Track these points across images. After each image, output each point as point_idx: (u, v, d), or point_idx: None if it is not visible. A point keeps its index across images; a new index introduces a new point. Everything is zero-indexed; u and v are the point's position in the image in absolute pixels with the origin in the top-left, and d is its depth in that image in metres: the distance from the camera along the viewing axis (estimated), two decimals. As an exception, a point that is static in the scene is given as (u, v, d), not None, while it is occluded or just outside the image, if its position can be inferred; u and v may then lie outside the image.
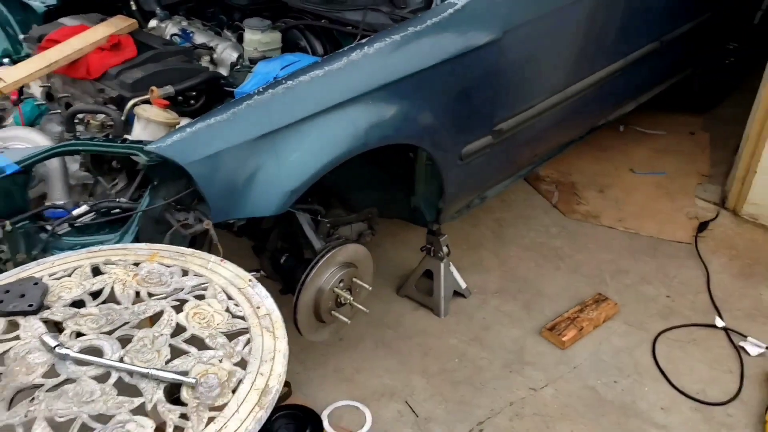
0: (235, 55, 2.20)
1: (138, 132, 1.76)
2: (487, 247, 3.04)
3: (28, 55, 2.32)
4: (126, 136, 1.75)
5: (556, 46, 2.47)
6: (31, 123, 2.10)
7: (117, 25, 2.08)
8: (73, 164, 1.91)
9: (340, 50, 1.88)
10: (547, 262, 2.95)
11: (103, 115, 1.82)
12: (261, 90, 1.73)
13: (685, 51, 3.37)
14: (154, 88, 1.83)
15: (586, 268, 2.91)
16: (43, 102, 2.13)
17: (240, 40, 2.26)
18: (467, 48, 2.08)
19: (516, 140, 2.46)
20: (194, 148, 1.61)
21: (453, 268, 2.68)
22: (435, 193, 2.29)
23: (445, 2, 2.08)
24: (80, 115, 1.87)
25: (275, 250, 2.22)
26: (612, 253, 3.00)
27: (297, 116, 1.73)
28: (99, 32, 1.99)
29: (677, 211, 3.26)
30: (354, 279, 2.16)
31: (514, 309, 2.70)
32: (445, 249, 2.57)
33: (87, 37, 1.96)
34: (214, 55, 2.19)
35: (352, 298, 2.14)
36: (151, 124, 1.74)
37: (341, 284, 2.12)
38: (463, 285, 2.74)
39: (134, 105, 1.81)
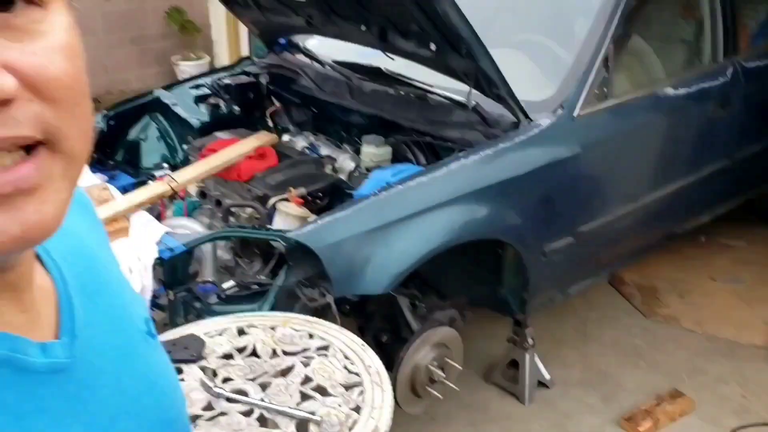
0: (353, 165, 2.63)
1: (278, 223, 2.19)
2: (571, 344, 3.27)
3: (184, 160, 2.85)
4: (268, 226, 2.18)
5: (631, 160, 2.80)
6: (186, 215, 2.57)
7: (262, 138, 2.57)
8: (219, 250, 2.35)
9: (442, 161, 2.28)
10: (627, 358, 3.15)
11: (251, 209, 2.27)
12: (377, 192, 2.13)
13: (759, 168, 3.60)
14: (291, 188, 2.28)
15: (665, 366, 3.08)
16: (197, 199, 2.61)
17: (357, 152, 2.71)
18: (550, 161, 2.45)
19: (595, 242, 2.75)
20: (323, 236, 2.01)
21: (537, 359, 2.92)
22: (521, 286, 2.59)
23: (531, 123, 2.47)
24: (233, 209, 2.33)
25: (378, 330, 2.55)
26: (690, 353, 3.16)
27: (404, 213, 2.11)
28: (248, 144, 2.48)
29: (756, 318, 3.41)
30: (446, 359, 2.46)
31: (594, 400, 2.90)
32: (530, 340, 2.83)
33: (239, 148, 2.46)
34: (336, 164, 2.64)
35: (444, 376, 2.43)
36: (288, 218, 2.17)
37: (435, 363, 2.42)
38: (547, 376, 2.97)
39: (276, 202, 2.25)
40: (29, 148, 0.45)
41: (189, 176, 2.40)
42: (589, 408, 2.86)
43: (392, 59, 2.71)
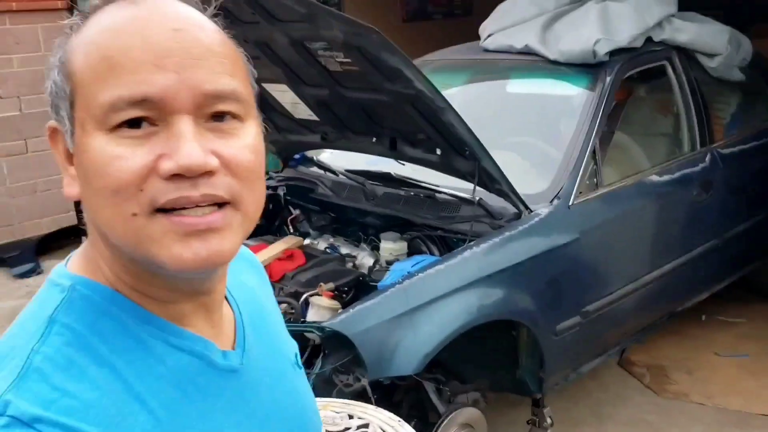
0: (372, 261, 2.87)
1: (312, 316, 2.39)
2: (587, 423, 3.39)
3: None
4: (303, 319, 2.39)
5: (626, 243, 3.05)
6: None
7: (289, 241, 2.82)
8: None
9: (455, 250, 2.52)
10: (642, 434, 3.27)
11: (285, 305, 2.48)
12: (400, 281, 2.36)
13: (747, 246, 3.85)
14: (321, 284, 2.50)
15: (680, 439, 3.20)
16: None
17: (374, 249, 2.95)
18: (551, 246, 2.69)
19: (602, 321, 2.95)
20: (356, 323, 2.21)
21: (557, 439, 3.05)
22: (536, 365, 2.77)
23: (531, 213, 2.72)
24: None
25: (406, 417, 2.70)
26: (703, 426, 3.29)
27: (427, 298, 2.33)
28: (277, 247, 2.72)
29: (763, 388, 3.55)
30: (472, 438, 2.60)
31: (615, 475, 3.01)
32: (548, 420, 2.97)
33: (269, 252, 2.69)
34: (356, 261, 2.87)
35: (471, 456, 2.56)
36: (321, 310, 2.38)
37: (462, 443, 2.56)
38: (568, 455, 3.09)
39: (308, 297, 2.47)
40: (220, 205, 0.71)
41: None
42: (612, 483, 2.96)
43: (402, 164, 3.00)
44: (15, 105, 5.94)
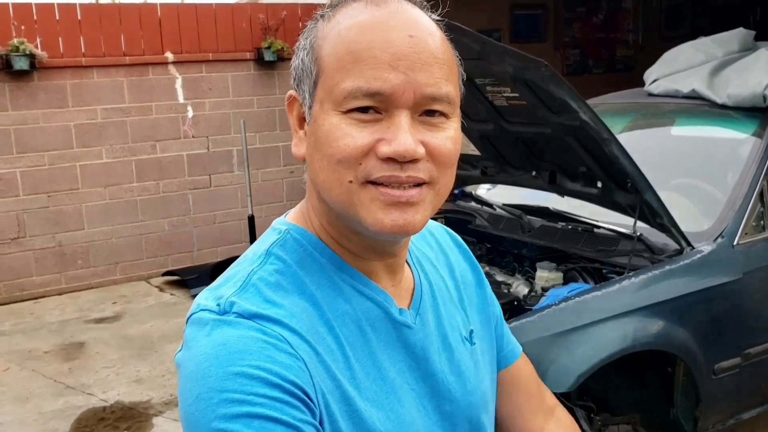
0: (526, 290, 2.96)
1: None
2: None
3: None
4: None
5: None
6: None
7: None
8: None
9: (614, 279, 2.57)
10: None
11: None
12: (557, 303, 2.44)
13: None
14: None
15: None
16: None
17: (528, 279, 3.04)
18: (713, 284, 2.67)
19: (763, 366, 2.85)
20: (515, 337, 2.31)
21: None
22: (692, 405, 2.71)
23: (694, 250, 2.72)
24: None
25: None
26: None
27: (583, 322, 2.39)
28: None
29: None
30: (623, 471, 2.59)
31: None
32: (702, 465, 2.88)
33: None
34: (511, 289, 2.98)
35: (622, 488, 2.55)
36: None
37: (612, 474, 2.56)
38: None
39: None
40: (419, 184, 0.87)
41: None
42: None
43: (562, 197, 3.09)
44: (204, 144, 6.62)
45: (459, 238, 1.22)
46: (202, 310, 0.89)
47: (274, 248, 0.95)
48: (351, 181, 0.85)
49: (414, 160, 0.84)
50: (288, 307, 0.89)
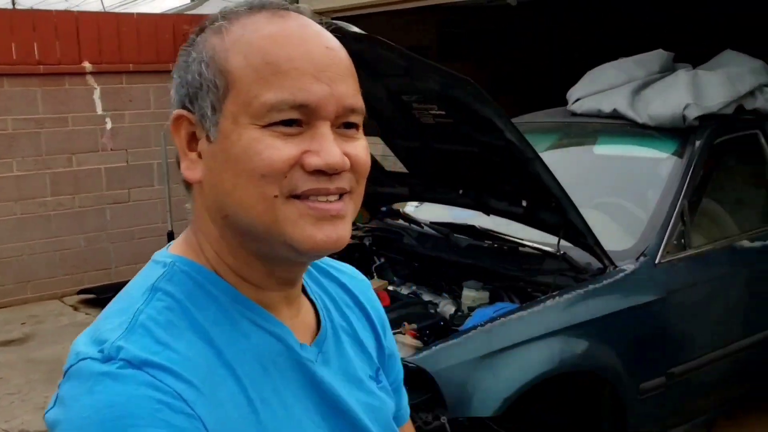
0: (453, 309, 2.91)
1: (394, 352, 2.44)
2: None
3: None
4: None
5: (714, 308, 2.99)
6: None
7: (375, 284, 2.91)
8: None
9: (539, 299, 2.54)
10: None
11: (369, 341, 2.55)
12: (483, 323, 2.39)
13: None
14: (406, 323, 2.56)
15: None
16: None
17: (455, 299, 2.99)
18: (637, 303, 2.67)
19: (688, 384, 2.87)
20: (438, 360, 2.25)
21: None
22: (619, 427, 2.70)
23: (617, 269, 2.72)
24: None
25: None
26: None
27: (508, 343, 2.35)
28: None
29: None
30: (549, 495, 2.55)
31: None
32: (628, 486, 2.88)
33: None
34: (438, 308, 2.92)
35: None
36: (404, 347, 2.43)
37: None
38: None
39: (393, 335, 2.52)
40: (341, 195, 0.84)
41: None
42: None
43: (489, 216, 3.06)
44: (123, 157, 6.37)
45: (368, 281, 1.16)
46: (82, 359, 0.78)
47: (161, 283, 0.86)
48: (276, 196, 0.81)
49: (340, 172, 0.83)
50: (182, 350, 0.80)
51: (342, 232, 0.84)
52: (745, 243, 3.20)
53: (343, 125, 0.85)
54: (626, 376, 2.62)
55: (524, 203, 2.81)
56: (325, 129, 0.82)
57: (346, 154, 0.83)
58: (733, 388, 3.26)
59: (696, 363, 2.90)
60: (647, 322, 2.71)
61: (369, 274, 3.39)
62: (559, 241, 2.76)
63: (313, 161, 0.81)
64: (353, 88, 0.85)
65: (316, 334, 0.95)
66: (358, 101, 0.86)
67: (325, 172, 0.82)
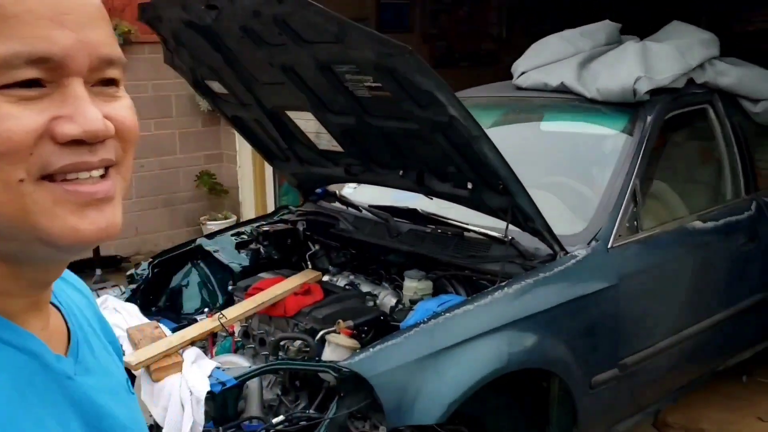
0: (393, 300, 2.68)
1: (328, 355, 2.20)
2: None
3: (224, 305, 2.90)
4: (318, 358, 2.19)
5: (667, 293, 2.84)
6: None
7: (307, 275, 2.65)
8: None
9: (486, 290, 2.33)
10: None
11: (299, 342, 2.29)
12: (425, 320, 2.16)
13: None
14: (340, 320, 2.31)
15: None
16: (239, 339, 2.64)
17: (396, 289, 2.76)
18: (588, 291, 2.49)
19: (641, 375, 2.72)
20: (375, 365, 2.02)
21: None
22: (569, 422, 2.53)
23: (567, 255, 2.53)
24: (282, 342, 2.36)
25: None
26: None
27: (453, 341, 2.13)
28: (294, 281, 2.55)
29: (813, 458, 3.27)
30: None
31: None
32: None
33: (286, 284, 2.52)
34: (377, 300, 2.69)
35: None
36: (338, 348, 2.19)
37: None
38: None
39: (325, 334, 2.28)
40: (106, 169, 0.68)
41: (238, 312, 2.45)
42: None
43: (431, 199, 2.83)
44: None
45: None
46: None
47: None
48: (22, 180, 0.65)
49: (103, 140, 0.68)
50: None
51: (112, 218, 0.69)
52: (697, 224, 3.06)
53: (99, 82, 0.69)
54: (577, 369, 2.45)
55: (469, 185, 2.58)
56: (77, 87, 0.67)
57: (107, 117, 0.68)
58: (684, 375, 3.14)
59: (649, 351, 2.75)
60: (599, 311, 2.53)
61: (303, 262, 3.14)
62: (507, 226, 2.55)
63: (67, 129, 0.65)
64: (108, 34, 0.70)
65: (69, 343, 0.80)
66: (116, 50, 0.71)
67: (84, 142, 0.66)
